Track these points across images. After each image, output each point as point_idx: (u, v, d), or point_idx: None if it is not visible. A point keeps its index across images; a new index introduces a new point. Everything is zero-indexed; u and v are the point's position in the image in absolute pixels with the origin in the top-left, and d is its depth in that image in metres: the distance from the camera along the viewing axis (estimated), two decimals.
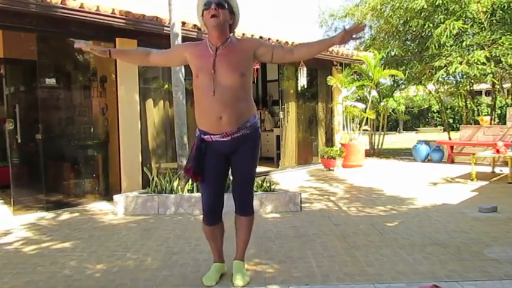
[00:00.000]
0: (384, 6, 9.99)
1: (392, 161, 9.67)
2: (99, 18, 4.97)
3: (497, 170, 7.38)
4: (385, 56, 9.69)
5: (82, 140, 5.70)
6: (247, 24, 6.78)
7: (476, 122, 9.95)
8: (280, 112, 8.27)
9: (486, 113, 11.56)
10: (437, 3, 8.33)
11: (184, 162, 4.83)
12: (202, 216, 2.76)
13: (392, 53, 10.00)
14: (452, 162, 8.99)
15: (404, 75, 9.69)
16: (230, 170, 2.73)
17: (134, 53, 2.53)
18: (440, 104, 11.92)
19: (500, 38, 7.86)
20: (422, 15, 8.88)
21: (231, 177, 2.78)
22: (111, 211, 4.86)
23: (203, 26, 2.62)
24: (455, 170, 7.84)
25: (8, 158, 6.08)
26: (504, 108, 11.68)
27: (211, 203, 2.68)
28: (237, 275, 2.71)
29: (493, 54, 7.95)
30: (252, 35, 6.39)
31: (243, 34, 6.32)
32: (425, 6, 8.62)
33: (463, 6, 8.19)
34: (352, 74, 9.04)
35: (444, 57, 8.37)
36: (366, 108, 8.73)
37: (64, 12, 4.66)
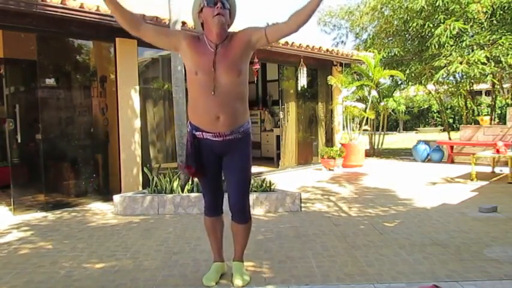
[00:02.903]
0: (384, 6, 10.00)
1: (392, 161, 9.67)
2: (99, 18, 4.97)
3: (497, 170, 7.38)
4: (385, 56, 9.68)
5: (82, 140, 5.69)
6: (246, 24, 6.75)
7: (476, 122, 9.95)
8: (280, 112, 8.27)
9: (486, 113, 11.56)
10: (437, 4, 8.33)
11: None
12: (203, 209, 2.82)
13: (392, 53, 10.00)
14: (452, 162, 8.99)
15: (404, 75, 9.69)
16: (223, 175, 2.72)
17: (127, 11, 2.40)
18: (440, 104, 11.92)
19: (500, 38, 7.85)
20: (422, 15, 8.88)
21: (225, 184, 2.74)
22: (111, 211, 4.87)
23: (197, 23, 2.57)
24: (455, 170, 7.84)
25: (8, 158, 6.08)
26: (504, 108, 11.68)
27: (212, 194, 2.74)
28: (236, 275, 2.71)
29: (493, 54, 7.95)
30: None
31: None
32: (425, 6, 8.62)
33: (463, 7, 8.19)
34: (352, 74, 9.04)
35: (444, 57, 8.37)
36: (365, 108, 8.73)
37: (64, 12, 4.66)
